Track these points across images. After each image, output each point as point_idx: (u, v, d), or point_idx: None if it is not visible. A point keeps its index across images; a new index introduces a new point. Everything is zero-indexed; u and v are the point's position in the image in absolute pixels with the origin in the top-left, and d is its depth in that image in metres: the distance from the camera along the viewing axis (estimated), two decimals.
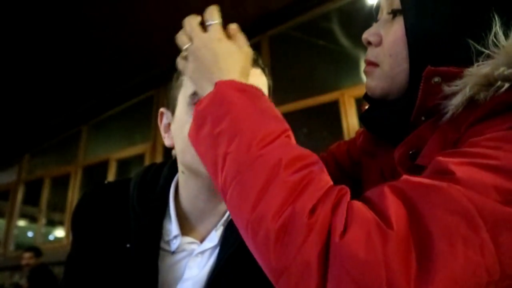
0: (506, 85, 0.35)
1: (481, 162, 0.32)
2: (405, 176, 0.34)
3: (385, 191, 0.32)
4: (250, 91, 0.42)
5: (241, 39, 0.47)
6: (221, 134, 0.39)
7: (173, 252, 0.54)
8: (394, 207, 0.30)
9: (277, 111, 0.43)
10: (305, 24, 2.90)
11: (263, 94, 0.43)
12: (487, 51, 0.39)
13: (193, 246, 0.55)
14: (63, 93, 3.95)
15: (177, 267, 0.54)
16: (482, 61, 0.39)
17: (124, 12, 2.85)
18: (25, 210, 4.94)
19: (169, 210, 0.56)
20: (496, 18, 0.39)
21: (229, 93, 0.41)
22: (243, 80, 0.44)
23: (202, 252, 0.54)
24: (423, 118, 0.44)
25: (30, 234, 5.12)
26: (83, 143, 4.33)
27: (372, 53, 0.50)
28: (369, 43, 0.50)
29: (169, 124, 0.59)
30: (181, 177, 0.57)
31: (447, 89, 0.40)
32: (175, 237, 0.54)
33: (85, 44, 3.21)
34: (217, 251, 0.54)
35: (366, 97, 0.53)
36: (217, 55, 0.44)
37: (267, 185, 0.34)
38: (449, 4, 0.43)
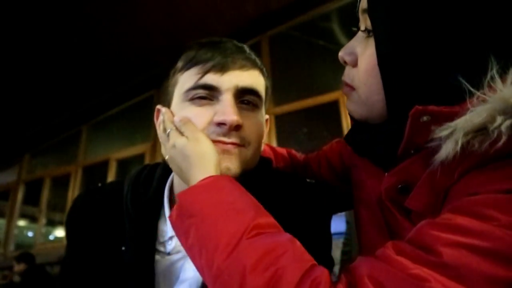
0: (504, 138, 0.32)
1: (472, 243, 0.30)
2: (388, 250, 0.33)
3: (365, 282, 0.31)
4: (207, 192, 0.43)
5: (187, 130, 0.49)
6: (192, 247, 0.41)
7: (169, 253, 0.53)
8: None
9: (242, 196, 0.43)
10: (305, 24, 2.90)
11: (224, 183, 0.44)
12: (479, 93, 0.35)
13: None
14: (63, 93, 3.95)
15: (173, 269, 0.53)
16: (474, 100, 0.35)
17: (124, 12, 2.85)
18: (25, 210, 4.94)
19: (163, 211, 0.56)
20: (493, 61, 0.36)
21: (189, 205, 0.43)
22: (206, 169, 0.45)
23: None
24: (412, 151, 0.41)
25: (30, 234, 5.11)
26: (83, 143, 4.33)
27: (348, 74, 0.47)
28: (345, 62, 0.47)
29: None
30: (175, 174, 0.57)
31: (437, 131, 0.36)
32: (171, 238, 0.54)
33: (85, 44, 3.21)
34: None
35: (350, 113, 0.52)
36: (177, 161, 0.48)
37: None
38: (434, 35, 0.38)
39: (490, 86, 0.35)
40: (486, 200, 0.32)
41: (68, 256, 0.57)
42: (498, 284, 0.28)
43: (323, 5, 2.81)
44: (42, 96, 3.97)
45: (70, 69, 3.55)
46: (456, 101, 0.37)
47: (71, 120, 4.40)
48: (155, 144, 3.55)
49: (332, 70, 2.76)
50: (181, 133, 0.49)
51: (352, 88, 0.46)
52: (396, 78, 0.40)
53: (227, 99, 0.50)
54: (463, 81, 0.36)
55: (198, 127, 0.49)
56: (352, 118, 0.51)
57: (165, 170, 0.60)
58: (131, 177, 0.59)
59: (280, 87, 2.82)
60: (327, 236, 0.57)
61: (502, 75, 0.36)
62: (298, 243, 0.39)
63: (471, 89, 0.36)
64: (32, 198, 4.77)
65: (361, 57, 0.44)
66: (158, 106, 0.59)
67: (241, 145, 0.51)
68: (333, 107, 2.58)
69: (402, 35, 0.39)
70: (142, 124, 3.78)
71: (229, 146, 0.49)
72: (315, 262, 0.36)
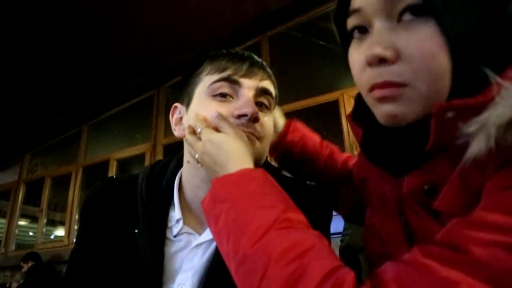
0: None
1: (504, 240, 0.28)
2: (415, 254, 0.31)
3: (390, 286, 0.30)
4: (242, 181, 0.45)
5: (225, 126, 0.51)
6: (220, 233, 0.42)
7: (175, 236, 0.58)
8: None
9: (275, 190, 0.45)
10: (305, 24, 2.91)
11: (259, 175, 0.46)
12: (504, 82, 0.33)
13: (192, 238, 0.58)
14: (63, 93, 3.95)
15: (178, 257, 0.57)
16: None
17: (124, 12, 2.86)
18: (26, 210, 4.95)
19: (173, 200, 0.61)
20: None
21: (222, 191, 0.44)
22: (242, 163, 0.47)
23: (200, 245, 0.57)
24: (436, 151, 0.38)
25: (31, 233, 5.12)
26: (83, 143, 4.33)
27: (390, 72, 0.38)
28: (383, 60, 0.38)
29: (180, 118, 0.62)
30: (186, 167, 0.62)
31: (464, 128, 0.34)
32: (177, 221, 0.58)
33: (85, 44, 3.21)
34: (214, 243, 0.56)
35: (367, 125, 0.47)
36: (212, 156, 0.49)
37: (261, 283, 0.35)
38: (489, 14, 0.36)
39: None
40: None
41: (81, 241, 0.61)
42: None
43: (322, 5, 2.81)
44: (42, 96, 3.97)
45: (71, 69, 3.55)
46: (476, 91, 0.34)
47: (71, 120, 4.40)
48: (155, 144, 3.55)
49: (332, 70, 2.76)
50: (217, 130, 0.52)
51: (403, 85, 0.38)
52: (465, 54, 0.36)
53: (247, 95, 0.55)
54: (487, 70, 0.34)
55: None
56: (367, 128, 0.47)
57: (177, 164, 0.65)
58: (146, 169, 0.65)
59: (280, 87, 2.79)
60: (327, 237, 0.58)
61: None
62: (326, 241, 0.39)
63: (498, 79, 0.34)
64: (32, 198, 4.77)
65: (409, 44, 0.38)
66: (176, 104, 0.63)
67: (257, 137, 0.55)
68: (333, 107, 2.58)
69: (463, 12, 0.36)
70: (143, 124, 3.79)
71: (248, 134, 0.54)
72: (342, 263, 0.36)
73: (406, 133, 0.40)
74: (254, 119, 0.54)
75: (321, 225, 0.56)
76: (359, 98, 0.50)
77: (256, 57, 0.62)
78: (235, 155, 0.48)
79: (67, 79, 3.71)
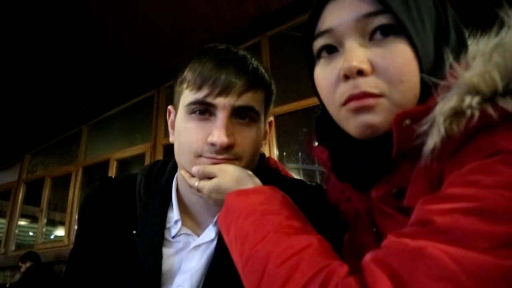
0: (477, 113, 0.34)
1: (461, 207, 0.32)
2: (390, 237, 0.35)
3: (372, 268, 0.33)
4: (253, 193, 0.49)
5: (210, 170, 0.53)
6: (231, 241, 0.46)
7: (173, 237, 0.58)
8: (381, 285, 0.31)
9: (283, 202, 0.47)
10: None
11: (268, 189, 0.50)
12: (442, 82, 0.38)
13: (190, 239, 0.58)
14: (63, 93, 3.95)
15: (176, 258, 0.57)
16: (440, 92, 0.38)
17: (124, 12, 2.86)
18: (26, 210, 4.95)
19: (172, 200, 0.61)
20: (448, 52, 0.40)
21: (234, 203, 0.48)
22: (245, 186, 0.51)
23: (198, 246, 0.57)
24: (400, 158, 0.42)
25: (31, 233, 5.12)
26: (83, 143, 4.33)
27: (367, 84, 0.41)
28: (360, 72, 0.41)
29: (173, 121, 0.62)
30: (179, 172, 0.61)
31: (418, 129, 0.38)
32: (176, 222, 0.58)
33: (85, 44, 3.21)
34: (213, 245, 0.57)
35: (333, 142, 0.49)
36: (222, 201, 0.52)
37: (261, 280, 0.38)
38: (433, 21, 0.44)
39: (451, 74, 0.39)
40: (471, 168, 0.34)
41: (79, 241, 0.61)
42: (490, 240, 0.29)
43: None
44: (42, 96, 3.98)
45: (71, 69, 3.56)
46: (426, 97, 0.40)
47: (71, 120, 4.40)
48: (155, 144, 3.55)
49: None
50: (207, 177, 0.53)
51: (379, 96, 0.41)
52: (429, 66, 0.42)
53: (221, 118, 0.53)
54: (427, 76, 0.40)
55: (194, 145, 0.54)
56: (333, 145, 0.50)
57: (175, 164, 0.64)
58: (145, 169, 0.65)
59: (280, 87, 2.79)
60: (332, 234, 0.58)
61: (458, 61, 0.40)
62: (326, 242, 0.41)
63: (436, 80, 0.39)
64: (32, 198, 4.78)
65: (385, 57, 0.41)
66: (170, 107, 0.64)
67: (234, 159, 0.54)
68: None
69: (424, 26, 0.42)
70: (143, 124, 3.79)
71: (221, 161, 0.54)
72: (340, 261, 0.38)
73: (374, 144, 0.43)
74: (226, 148, 0.53)
75: (323, 225, 0.56)
76: (318, 122, 0.54)
77: (239, 58, 0.57)
78: (235, 186, 0.51)
79: (67, 79, 3.71)
